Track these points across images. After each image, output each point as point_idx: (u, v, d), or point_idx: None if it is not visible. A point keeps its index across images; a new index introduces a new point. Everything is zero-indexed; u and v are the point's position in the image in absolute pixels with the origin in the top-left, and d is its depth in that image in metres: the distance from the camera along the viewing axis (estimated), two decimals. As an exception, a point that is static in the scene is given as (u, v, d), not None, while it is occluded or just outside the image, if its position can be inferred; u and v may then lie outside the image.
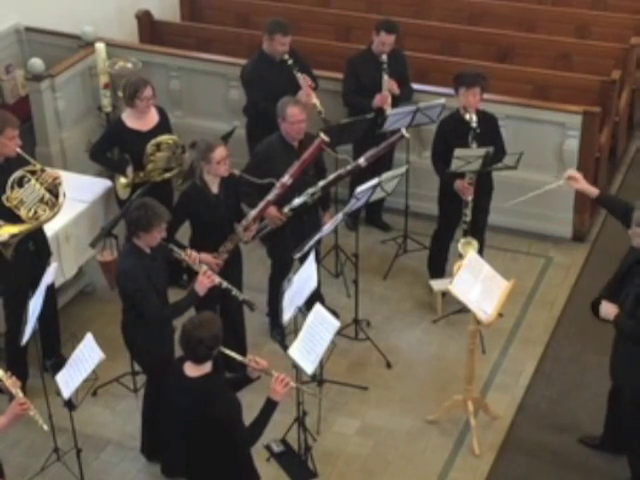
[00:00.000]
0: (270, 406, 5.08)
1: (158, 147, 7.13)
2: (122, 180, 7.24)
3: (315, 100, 7.69)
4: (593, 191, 6.23)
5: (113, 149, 7.37)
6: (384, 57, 7.78)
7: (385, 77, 7.77)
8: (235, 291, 6.19)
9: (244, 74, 7.90)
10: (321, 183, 6.82)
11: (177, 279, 7.01)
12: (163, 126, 7.23)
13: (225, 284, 6.11)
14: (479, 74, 7.16)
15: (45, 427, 5.21)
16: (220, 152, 6.29)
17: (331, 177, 6.89)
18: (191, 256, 6.07)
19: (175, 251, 6.03)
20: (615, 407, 6.07)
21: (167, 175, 7.27)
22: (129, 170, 7.16)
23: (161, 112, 7.28)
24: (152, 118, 7.18)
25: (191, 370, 5.03)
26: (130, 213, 5.85)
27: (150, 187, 7.00)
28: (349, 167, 6.95)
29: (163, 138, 7.15)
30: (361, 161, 6.91)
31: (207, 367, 5.02)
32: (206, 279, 5.92)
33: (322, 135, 6.71)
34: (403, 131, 7.10)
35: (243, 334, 6.92)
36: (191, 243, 6.48)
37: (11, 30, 9.12)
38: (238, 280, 6.71)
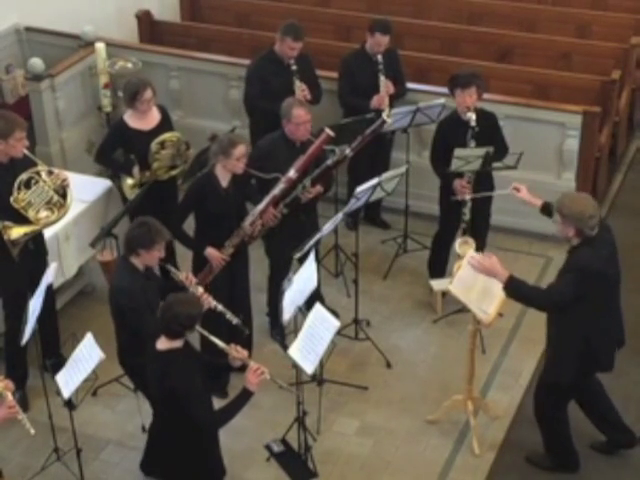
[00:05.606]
0: (244, 394, 5.15)
1: (162, 145, 7.13)
2: (129, 181, 7.22)
3: None
4: (536, 202, 6.23)
5: (117, 150, 7.37)
6: (379, 57, 7.76)
7: (382, 78, 7.75)
8: (229, 315, 6.01)
9: (249, 68, 7.89)
10: (310, 177, 6.79)
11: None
12: (165, 124, 7.24)
13: (220, 307, 5.96)
14: (474, 74, 7.12)
15: (32, 431, 5.25)
16: (241, 149, 6.33)
17: (319, 170, 6.85)
18: (188, 278, 6.00)
19: (172, 272, 5.99)
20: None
21: (173, 172, 7.28)
22: (135, 170, 7.16)
23: (162, 110, 7.29)
24: (154, 117, 7.20)
25: (162, 343, 5.13)
26: (131, 231, 5.77)
27: (153, 186, 7.02)
28: (336, 158, 6.91)
29: (167, 136, 7.16)
30: (347, 151, 6.90)
31: (177, 344, 5.11)
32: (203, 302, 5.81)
33: (327, 130, 6.69)
34: (384, 115, 7.09)
35: (250, 324, 6.89)
36: (195, 235, 6.55)
37: (11, 30, 9.13)
38: (245, 274, 6.77)
